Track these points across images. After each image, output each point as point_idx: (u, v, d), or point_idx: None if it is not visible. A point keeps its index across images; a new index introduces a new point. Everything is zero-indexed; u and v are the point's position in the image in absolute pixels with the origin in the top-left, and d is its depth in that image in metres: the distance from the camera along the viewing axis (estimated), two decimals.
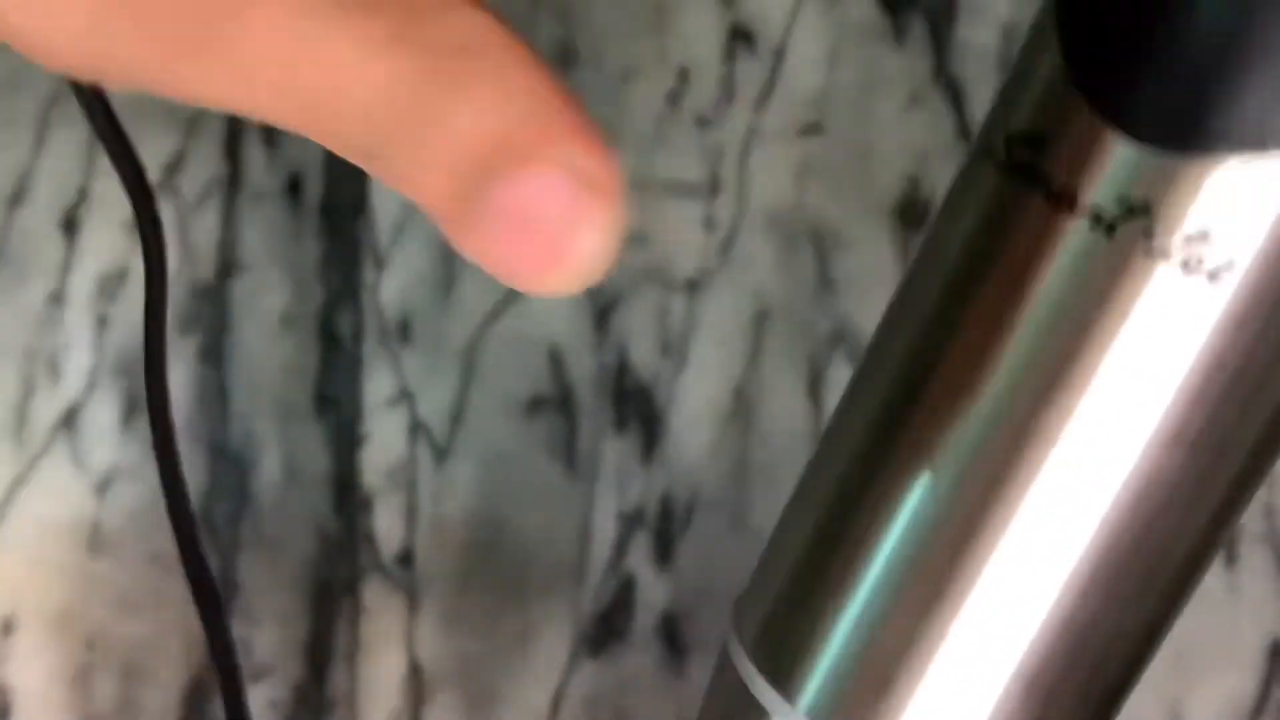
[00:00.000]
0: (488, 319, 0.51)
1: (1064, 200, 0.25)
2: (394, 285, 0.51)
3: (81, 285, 0.51)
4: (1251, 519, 0.49)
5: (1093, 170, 0.25)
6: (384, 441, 0.50)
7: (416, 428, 0.50)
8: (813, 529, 0.28)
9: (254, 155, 0.52)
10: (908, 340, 0.28)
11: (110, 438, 0.50)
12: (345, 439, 0.50)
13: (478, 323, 0.51)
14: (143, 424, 0.50)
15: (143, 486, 0.49)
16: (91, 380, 0.50)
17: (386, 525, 0.49)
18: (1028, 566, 0.26)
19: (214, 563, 0.49)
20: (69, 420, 0.50)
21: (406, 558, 0.49)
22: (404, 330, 0.51)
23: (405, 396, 0.50)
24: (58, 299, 0.51)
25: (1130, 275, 0.24)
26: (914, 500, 0.26)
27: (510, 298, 0.51)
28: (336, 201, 0.52)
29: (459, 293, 0.51)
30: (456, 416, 0.50)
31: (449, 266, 0.51)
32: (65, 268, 0.51)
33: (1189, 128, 0.24)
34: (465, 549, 0.49)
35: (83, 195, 0.51)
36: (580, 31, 0.52)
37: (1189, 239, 0.24)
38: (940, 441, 0.25)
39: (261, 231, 0.51)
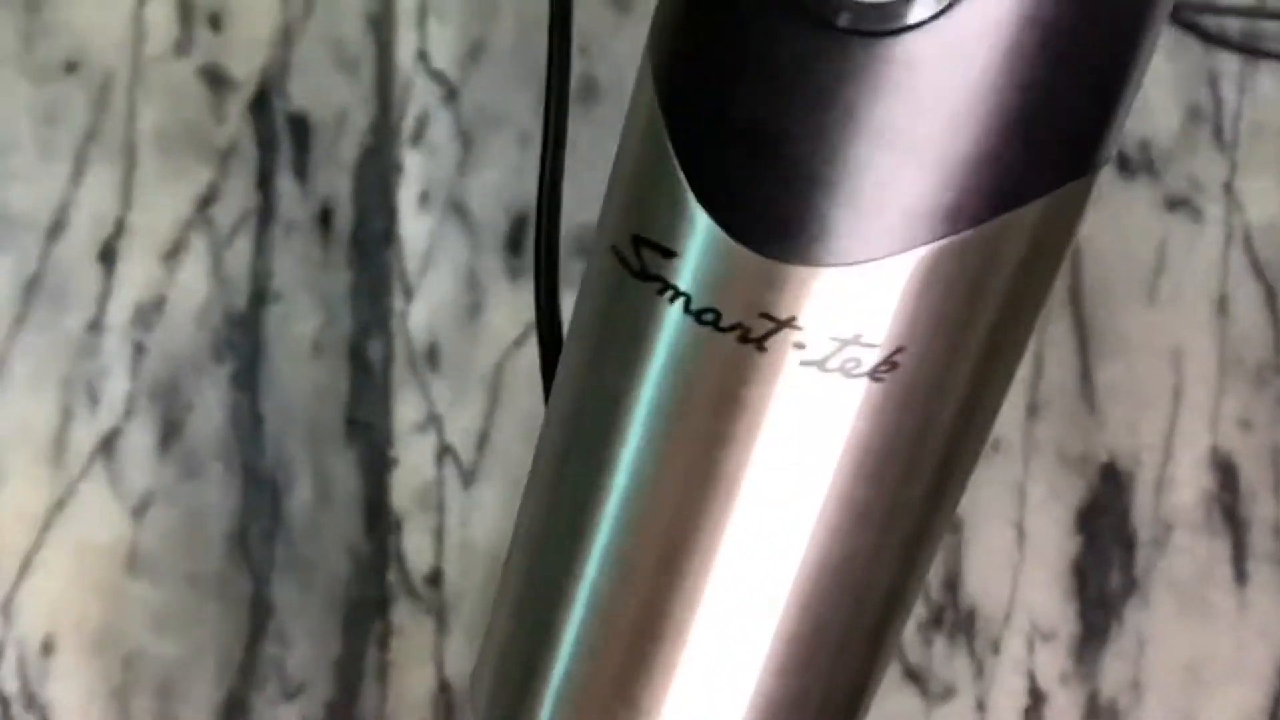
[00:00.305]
0: (513, 345, 0.52)
1: (704, 316, 0.23)
2: (422, 313, 0.52)
3: (119, 314, 0.52)
4: (1261, 538, 0.50)
5: (728, 286, 0.23)
6: (413, 465, 0.51)
7: (444, 451, 0.51)
8: (515, 605, 0.29)
9: (286, 188, 0.53)
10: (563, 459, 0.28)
11: (147, 462, 0.51)
12: (375, 463, 0.51)
13: (503, 349, 0.52)
14: (179, 448, 0.51)
15: (179, 510, 0.50)
16: (129, 406, 0.51)
17: (416, 546, 0.50)
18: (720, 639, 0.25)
19: (248, 584, 0.50)
20: (107, 445, 0.51)
21: (435, 578, 0.50)
22: (432, 357, 0.52)
23: (433, 421, 0.51)
24: (96, 327, 0.52)
25: (789, 386, 0.23)
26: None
27: (535, 326, 0.52)
28: (366, 232, 0.53)
29: (485, 320, 0.52)
30: (483, 440, 0.51)
31: (475, 295, 0.53)
32: (103, 297, 0.52)
33: (800, 239, 0.22)
34: (493, 571, 0.50)
35: (120, 227, 0.53)
36: (601, 64, 0.54)
37: (841, 345, 0.22)
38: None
39: (293, 261, 0.53)
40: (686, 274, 0.24)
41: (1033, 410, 0.51)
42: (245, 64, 0.53)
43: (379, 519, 0.51)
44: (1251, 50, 0.54)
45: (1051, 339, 0.52)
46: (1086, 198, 0.23)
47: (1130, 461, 0.51)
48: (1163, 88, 0.53)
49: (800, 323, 0.23)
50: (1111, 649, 0.50)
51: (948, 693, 0.49)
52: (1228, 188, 0.54)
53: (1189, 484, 0.51)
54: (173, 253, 0.53)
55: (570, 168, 0.53)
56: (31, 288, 0.52)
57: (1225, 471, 0.51)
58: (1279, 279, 0.53)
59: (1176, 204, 0.54)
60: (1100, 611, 0.50)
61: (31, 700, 0.49)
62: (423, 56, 0.54)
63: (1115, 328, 0.53)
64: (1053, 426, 0.52)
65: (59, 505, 0.50)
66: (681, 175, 0.23)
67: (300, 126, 0.54)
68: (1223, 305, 0.53)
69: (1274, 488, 0.51)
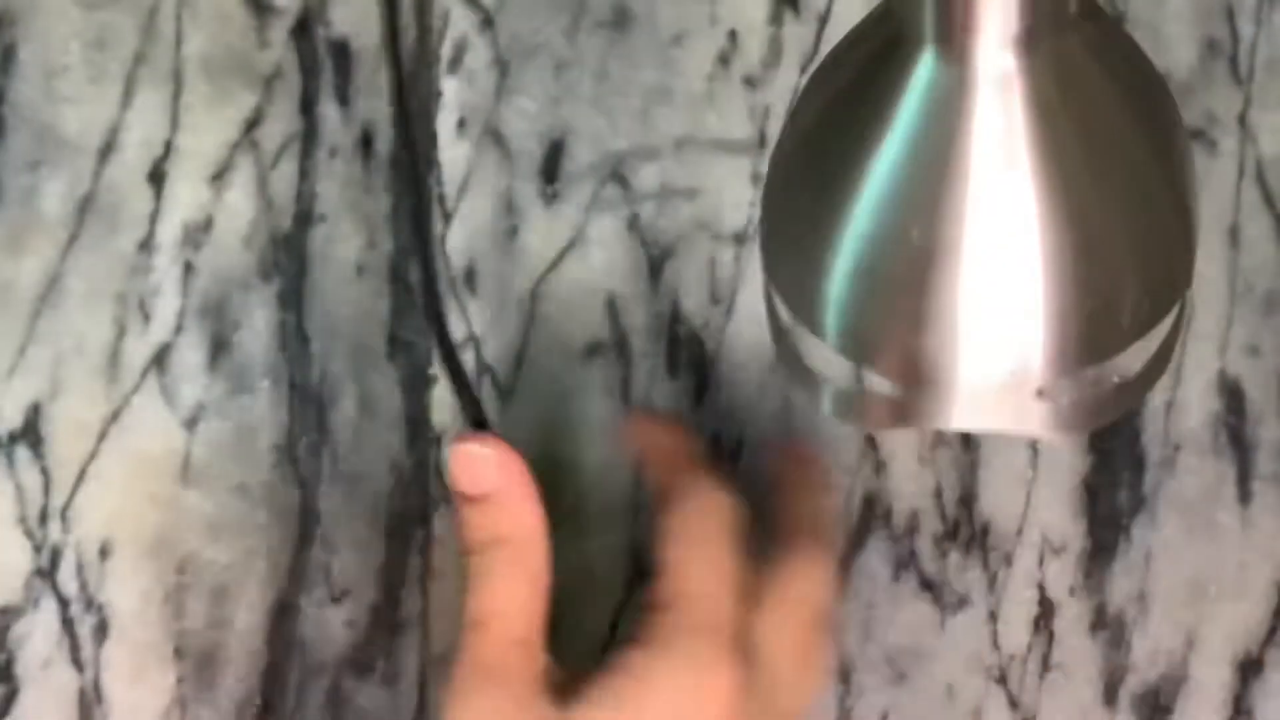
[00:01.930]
0: (549, 269, 0.54)
1: None
2: (460, 236, 0.54)
3: (169, 233, 0.54)
4: (1266, 460, 0.53)
5: None
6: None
7: (482, 370, 0.53)
8: None
9: (329, 112, 0.55)
10: None
11: (198, 376, 0.53)
12: (416, 380, 0.53)
13: (539, 272, 0.54)
14: (228, 363, 0.53)
15: (228, 422, 0.53)
16: (179, 323, 0.53)
17: None
18: None
19: (296, 494, 0.52)
20: (159, 360, 0.53)
21: None
22: (470, 278, 0.54)
23: (471, 340, 0.53)
24: (146, 247, 0.54)
25: None
26: None
27: (570, 249, 0.54)
28: (406, 156, 0.55)
29: (521, 244, 0.54)
30: (519, 360, 0.53)
31: (512, 218, 0.54)
32: (153, 217, 0.54)
33: None
34: None
35: (168, 149, 0.54)
36: None
37: None
38: None
39: (336, 184, 0.54)
40: None
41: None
42: None
43: (420, 434, 0.53)
44: None
45: None
46: None
47: None
48: (1181, 22, 0.54)
49: None
50: (1119, 564, 0.52)
51: (962, 602, 0.52)
52: (1242, 120, 0.55)
53: (1197, 407, 0.53)
54: (219, 175, 0.54)
55: (601, 95, 0.55)
56: (85, 207, 0.54)
57: (1233, 395, 0.53)
58: None
59: (1192, 136, 0.55)
60: (1109, 528, 0.52)
61: (90, 602, 0.51)
62: None
63: None
64: None
65: (114, 417, 0.52)
66: None
67: (342, 53, 0.55)
68: (1234, 235, 0.54)
69: (1278, 410, 0.53)
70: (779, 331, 0.33)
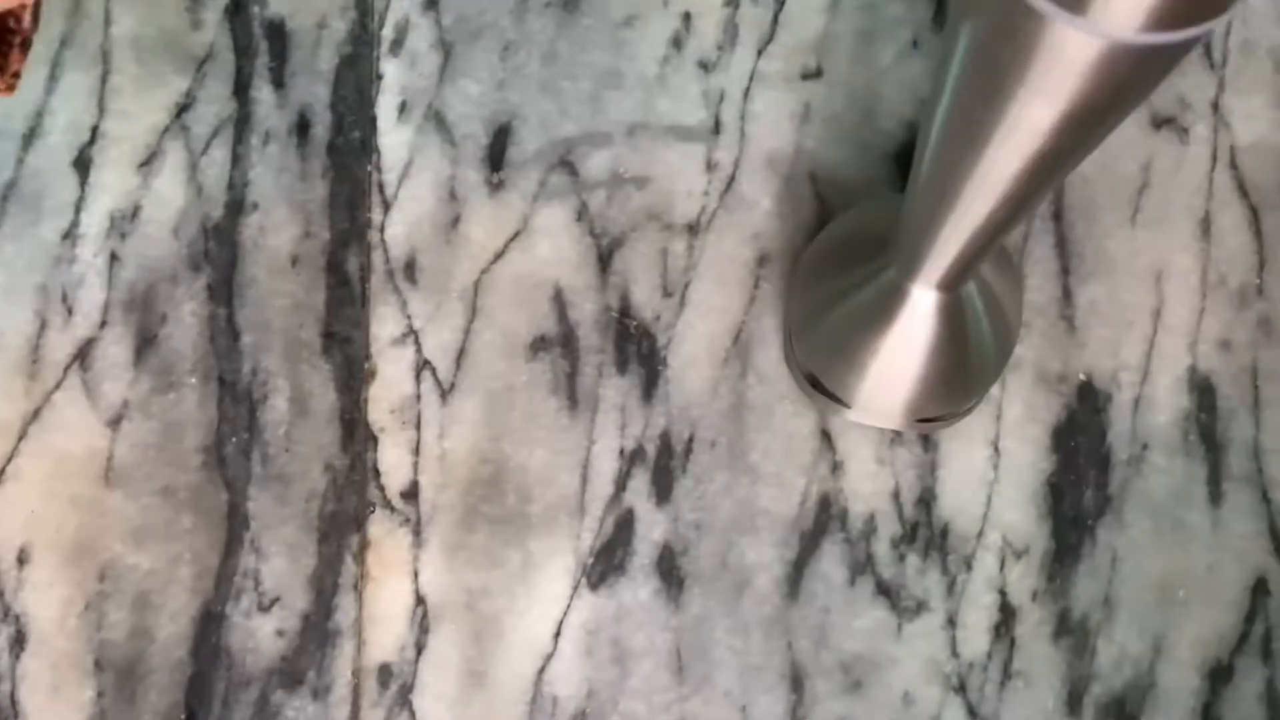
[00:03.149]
0: (493, 260, 0.52)
1: None
2: (400, 225, 0.52)
3: (94, 223, 0.52)
4: (1238, 459, 0.50)
5: None
6: (390, 379, 0.51)
7: (422, 365, 0.51)
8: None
9: (263, 96, 0.52)
10: None
11: (122, 373, 0.50)
12: (353, 376, 0.51)
13: (483, 263, 0.52)
14: (154, 359, 0.51)
15: (154, 421, 0.50)
16: (104, 316, 0.51)
17: (392, 460, 0.50)
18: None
19: (224, 497, 0.50)
20: (82, 355, 0.51)
21: (412, 492, 0.50)
22: (410, 270, 0.52)
23: (411, 335, 0.51)
24: (70, 236, 0.51)
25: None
26: None
27: (515, 239, 0.52)
28: (344, 142, 0.52)
29: (464, 233, 0.52)
30: (461, 355, 0.51)
31: (455, 207, 0.52)
32: (78, 206, 0.52)
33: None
34: (469, 484, 0.50)
35: (95, 134, 0.52)
36: None
37: None
38: None
39: (270, 171, 0.52)
40: None
41: (1019, 330, 0.51)
42: None
43: (356, 432, 0.50)
44: None
45: (1033, 258, 0.52)
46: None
47: (1108, 381, 0.51)
48: None
49: None
50: (1084, 567, 0.50)
51: (920, 608, 0.49)
52: (1215, 106, 0.53)
53: (1167, 404, 0.51)
54: (148, 161, 0.52)
55: (550, 79, 0.53)
56: (7, 195, 0.51)
57: (1203, 392, 0.51)
58: (1263, 200, 0.53)
59: (1163, 122, 0.53)
60: (1074, 530, 0.50)
61: (7, 611, 0.49)
62: None
63: (1098, 247, 0.52)
64: (1032, 346, 0.51)
65: (34, 415, 0.50)
66: None
67: (277, 33, 0.53)
68: (1206, 225, 0.52)
69: (1252, 408, 0.51)
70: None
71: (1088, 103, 0.29)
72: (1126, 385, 0.51)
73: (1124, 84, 0.29)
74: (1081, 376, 0.51)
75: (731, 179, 0.52)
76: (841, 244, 0.49)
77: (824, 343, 0.48)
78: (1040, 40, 0.28)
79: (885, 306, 0.45)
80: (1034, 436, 0.51)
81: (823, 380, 0.49)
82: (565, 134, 0.53)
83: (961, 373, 0.48)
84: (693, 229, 0.52)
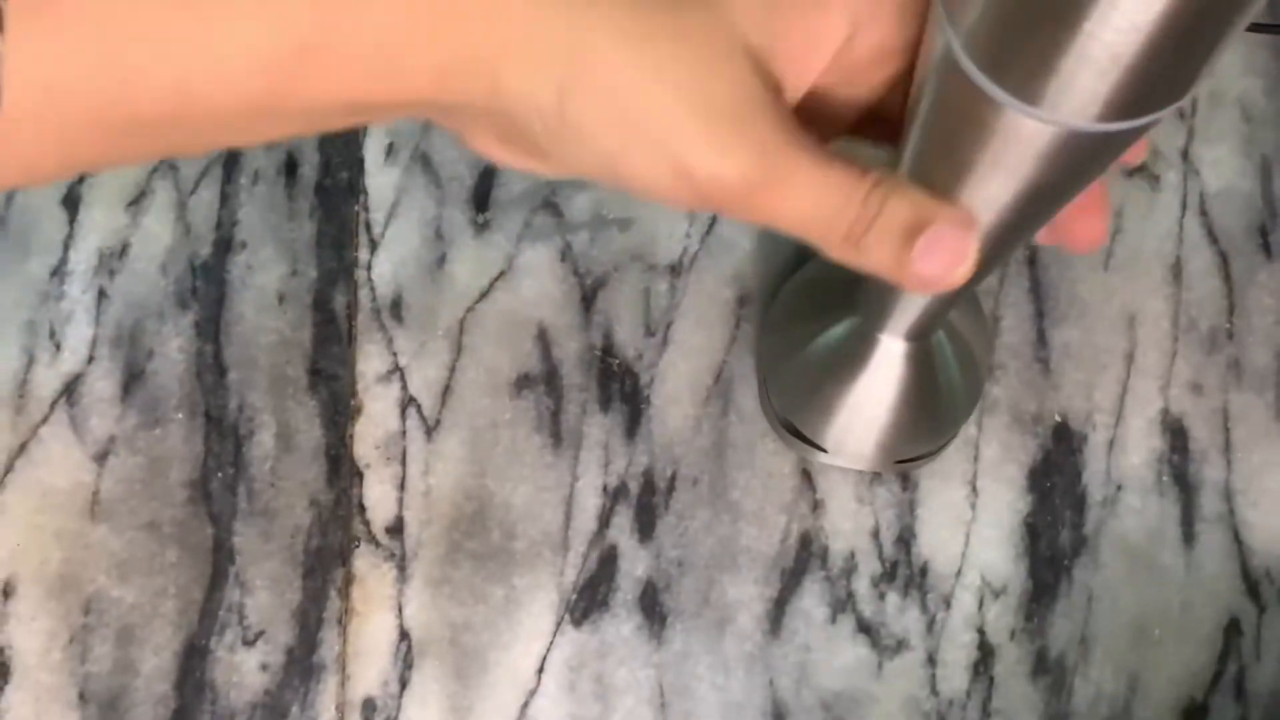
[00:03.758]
0: (478, 298, 0.52)
1: None
2: (387, 264, 0.53)
3: (82, 260, 0.52)
4: (1210, 500, 0.51)
5: None
6: (376, 415, 0.51)
7: (408, 402, 0.52)
8: None
9: None
10: None
11: (109, 408, 0.51)
12: (338, 413, 0.51)
13: (468, 302, 0.52)
14: (141, 395, 0.51)
15: (139, 456, 0.50)
16: (92, 352, 0.51)
17: (377, 496, 0.51)
18: None
19: (209, 531, 0.50)
20: (69, 391, 0.51)
21: (397, 528, 0.50)
22: (396, 308, 0.52)
23: (396, 372, 0.52)
24: (59, 273, 0.52)
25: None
26: None
27: (500, 278, 0.53)
28: (332, 182, 0.53)
29: (450, 272, 0.53)
30: (446, 392, 0.52)
31: (441, 246, 0.53)
32: (67, 243, 0.52)
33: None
34: (453, 520, 0.51)
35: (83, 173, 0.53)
36: None
37: None
38: None
39: (258, 210, 0.53)
40: None
41: (988, 371, 0.52)
42: None
43: (341, 468, 0.51)
44: None
45: (1008, 301, 0.53)
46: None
47: (1083, 422, 0.52)
48: None
49: None
50: (1060, 606, 0.51)
51: (900, 646, 0.50)
52: (1185, 154, 0.55)
53: (1140, 446, 0.52)
54: (136, 200, 0.53)
55: None
56: None
57: (1176, 434, 0.52)
58: (1232, 245, 0.54)
59: (1134, 170, 0.54)
60: (1050, 569, 0.51)
61: None
62: None
63: (1071, 291, 0.53)
64: (1007, 388, 0.52)
65: (20, 449, 0.50)
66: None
67: None
68: (1177, 270, 0.53)
69: (1223, 450, 0.52)
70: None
71: (1044, 181, 0.30)
72: (1101, 426, 0.52)
73: (1080, 165, 0.30)
74: (1057, 418, 0.52)
75: (713, 221, 0.53)
76: (811, 290, 0.50)
77: (797, 388, 0.49)
78: (997, 124, 0.28)
79: (855, 354, 0.46)
80: (1010, 476, 0.51)
81: (797, 425, 0.49)
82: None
83: (932, 416, 0.48)
84: (675, 269, 0.53)
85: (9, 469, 0.50)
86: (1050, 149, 0.29)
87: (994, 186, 0.31)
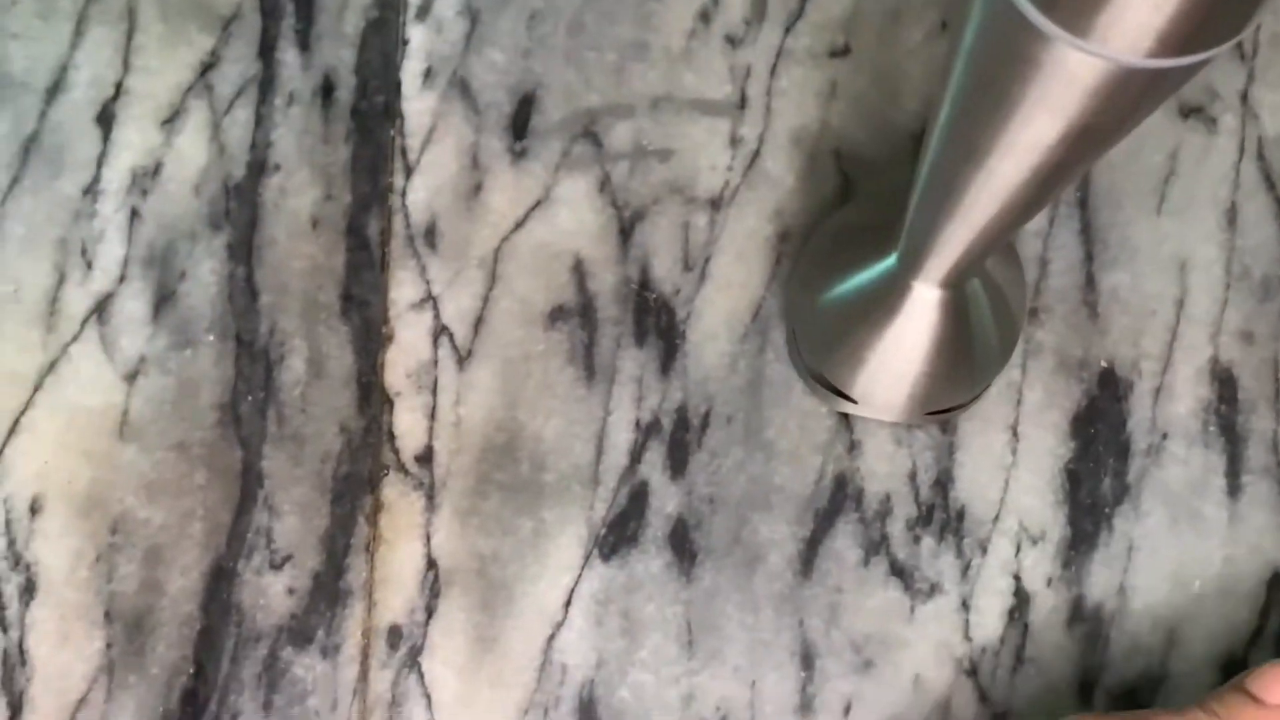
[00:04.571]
0: (514, 228, 0.52)
1: None
2: (422, 191, 0.52)
3: (115, 178, 0.51)
4: (1257, 451, 0.50)
5: None
6: (407, 344, 0.51)
7: (440, 331, 0.51)
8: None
9: (288, 58, 0.52)
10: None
11: (140, 329, 0.50)
12: (370, 340, 0.51)
13: (503, 231, 0.52)
14: (172, 316, 0.50)
15: (170, 377, 0.50)
16: (123, 272, 0.51)
17: (407, 425, 0.50)
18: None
19: (238, 455, 0.50)
20: (100, 310, 0.50)
21: (426, 457, 0.50)
22: (430, 235, 0.52)
23: (429, 300, 0.51)
24: (91, 191, 0.51)
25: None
26: None
27: (536, 208, 0.52)
28: (368, 106, 0.52)
29: (485, 200, 0.52)
30: (479, 322, 0.51)
31: (477, 174, 0.52)
32: (100, 161, 0.52)
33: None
34: (484, 451, 0.50)
35: (119, 90, 0.52)
36: None
37: None
38: None
39: (293, 133, 0.52)
40: None
41: (1034, 314, 0.51)
42: None
43: (372, 396, 0.50)
44: None
45: (1057, 244, 0.52)
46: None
47: (1129, 369, 0.51)
48: None
49: None
50: (1099, 555, 0.49)
51: (933, 590, 0.49)
52: (1244, 97, 0.53)
53: (1187, 394, 0.51)
54: (171, 119, 0.52)
55: (575, 49, 0.53)
56: (28, 148, 0.51)
57: (1224, 383, 0.51)
58: None
59: (1190, 112, 0.53)
60: (1090, 517, 0.50)
61: (18, 560, 0.49)
62: None
63: (1122, 235, 0.52)
64: (1054, 332, 0.51)
65: (50, 367, 0.50)
66: None
67: None
68: (1231, 216, 0.52)
69: (1272, 401, 0.51)
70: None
71: (1092, 121, 0.29)
72: (1147, 374, 0.51)
73: (1130, 104, 0.28)
74: (1103, 364, 0.51)
75: (755, 154, 0.52)
76: (843, 236, 0.49)
77: (825, 336, 0.48)
78: (1043, 60, 0.27)
79: (887, 301, 0.45)
80: (1053, 422, 0.50)
81: (825, 374, 0.48)
82: (589, 104, 0.53)
83: (965, 367, 0.47)
84: (715, 203, 0.52)
85: (39, 387, 0.50)
86: (1099, 86, 0.27)
87: (1039, 127, 0.30)
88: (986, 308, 0.46)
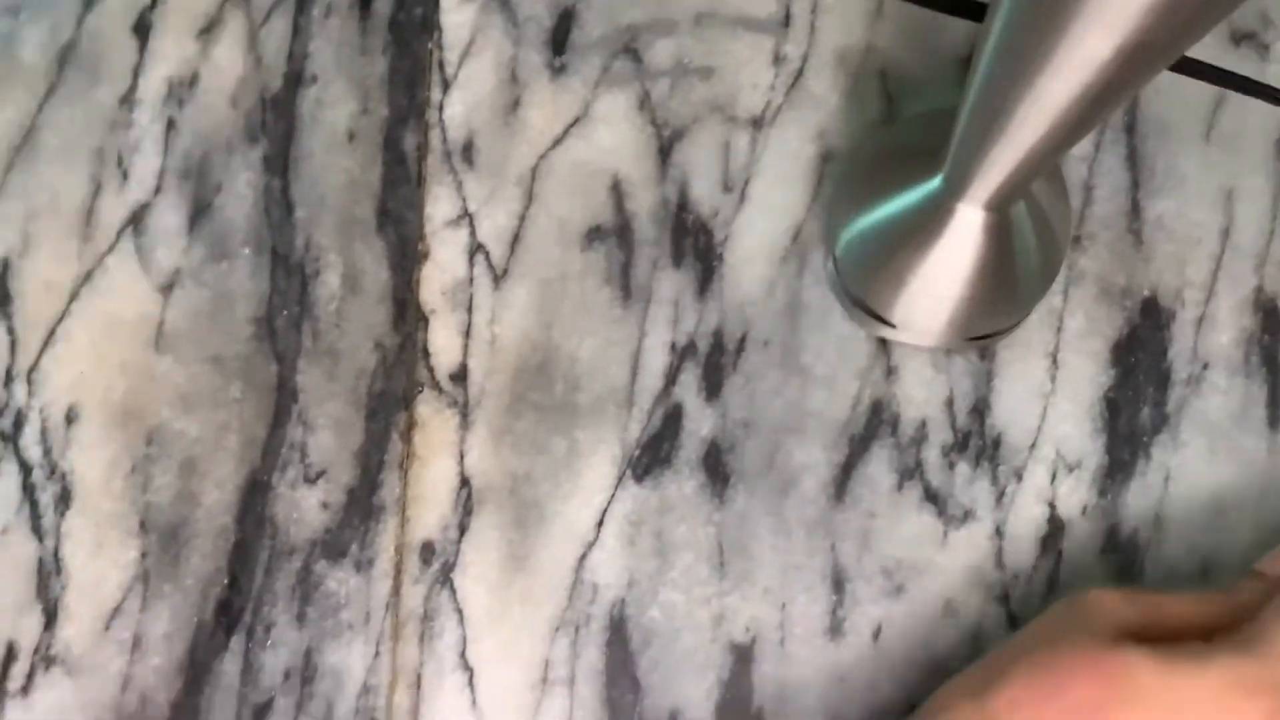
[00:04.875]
0: (551, 146, 0.51)
1: None
2: (459, 106, 0.51)
3: (152, 89, 0.51)
4: None
5: None
6: (443, 261, 0.50)
7: (476, 249, 0.51)
8: None
9: None
10: None
11: (176, 240, 0.50)
12: (406, 257, 0.50)
13: (541, 149, 0.51)
14: (208, 228, 0.50)
15: (205, 290, 0.50)
16: (159, 183, 0.50)
17: (442, 343, 0.50)
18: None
19: (273, 369, 0.50)
20: (136, 220, 0.50)
21: (461, 375, 0.50)
22: (467, 151, 0.51)
23: (466, 217, 0.51)
24: (128, 101, 0.51)
25: None
26: None
27: (575, 125, 0.51)
28: (406, 18, 0.52)
29: (523, 117, 0.51)
30: (515, 240, 0.51)
31: (515, 90, 0.51)
32: (136, 70, 0.51)
33: None
34: (518, 370, 0.50)
35: (155, 0, 0.51)
36: None
37: None
38: None
39: (330, 44, 0.51)
40: None
41: (1077, 241, 0.50)
42: None
43: (407, 312, 0.50)
44: None
45: (1103, 170, 0.51)
46: None
47: (1172, 298, 0.50)
48: None
49: None
50: (1136, 484, 0.49)
51: (967, 516, 0.49)
52: None
53: (1230, 324, 0.50)
54: (208, 29, 0.51)
55: None
56: (65, 57, 0.51)
57: (1268, 314, 0.50)
58: None
59: (1242, 38, 0.52)
60: (1128, 446, 0.49)
61: (54, 469, 0.49)
62: None
63: (1170, 163, 0.51)
64: (1096, 259, 0.50)
65: (86, 277, 0.50)
66: None
67: None
68: None
69: None
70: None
71: (1145, 38, 0.28)
72: (1191, 303, 0.50)
73: (1185, 20, 0.28)
74: (1146, 292, 0.50)
75: (799, 73, 0.51)
76: (886, 157, 0.48)
77: (865, 259, 0.47)
78: None
79: (930, 224, 0.45)
80: (1094, 350, 0.50)
81: (863, 298, 0.48)
82: (630, 20, 0.52)
83: (1007, 292, 0.47)
84: (757, 123, 0.51)
85: (74, 297, 0.50)
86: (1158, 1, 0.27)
87: (1092, 44, 0.29)
88: (1031, 232, 0.46)
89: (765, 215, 0.51)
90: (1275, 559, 0.45)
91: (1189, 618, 0.43)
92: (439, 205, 0.51)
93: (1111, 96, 0.33)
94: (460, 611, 0.48)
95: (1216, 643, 0.42)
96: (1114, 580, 0.49)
